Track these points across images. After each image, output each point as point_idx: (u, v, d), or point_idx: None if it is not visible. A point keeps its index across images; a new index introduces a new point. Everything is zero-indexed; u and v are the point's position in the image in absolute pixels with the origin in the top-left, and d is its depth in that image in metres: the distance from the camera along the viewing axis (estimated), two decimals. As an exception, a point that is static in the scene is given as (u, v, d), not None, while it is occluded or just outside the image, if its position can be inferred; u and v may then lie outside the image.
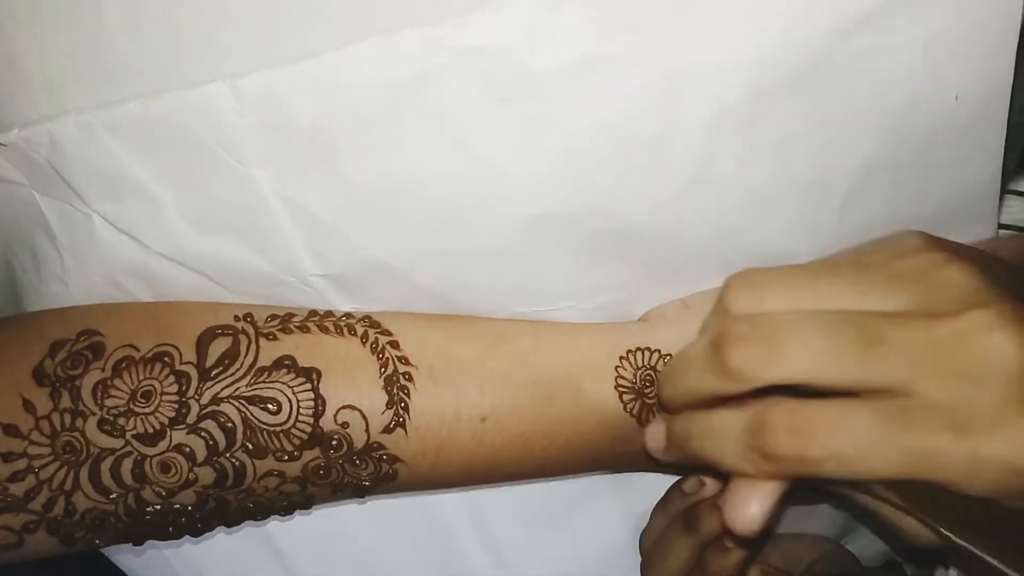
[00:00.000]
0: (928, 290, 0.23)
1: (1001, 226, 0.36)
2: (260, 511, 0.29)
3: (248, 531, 0.35)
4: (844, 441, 0.22)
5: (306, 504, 0.30)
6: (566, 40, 0.26)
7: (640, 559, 0.36)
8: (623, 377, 0.30)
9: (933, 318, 0.22)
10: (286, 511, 0.30)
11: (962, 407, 0.21)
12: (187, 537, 0.30)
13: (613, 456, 0.31)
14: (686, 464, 0.33)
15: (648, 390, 0.30)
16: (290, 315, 0.30)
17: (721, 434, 0.24)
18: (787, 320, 0.23)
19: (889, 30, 0.27)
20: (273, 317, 0.29)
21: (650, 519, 0.35)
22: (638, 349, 0.30)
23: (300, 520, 0.34)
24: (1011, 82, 0.29)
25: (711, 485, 0.33)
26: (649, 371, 0.30)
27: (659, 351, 0.30)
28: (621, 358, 0.30)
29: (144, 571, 0.38)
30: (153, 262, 0.30)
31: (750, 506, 0.24)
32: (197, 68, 0.27)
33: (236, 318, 0.29)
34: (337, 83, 0.26)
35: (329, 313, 0.30)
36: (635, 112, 0.27)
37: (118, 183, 0.28)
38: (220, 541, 0.35)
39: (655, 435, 0.28)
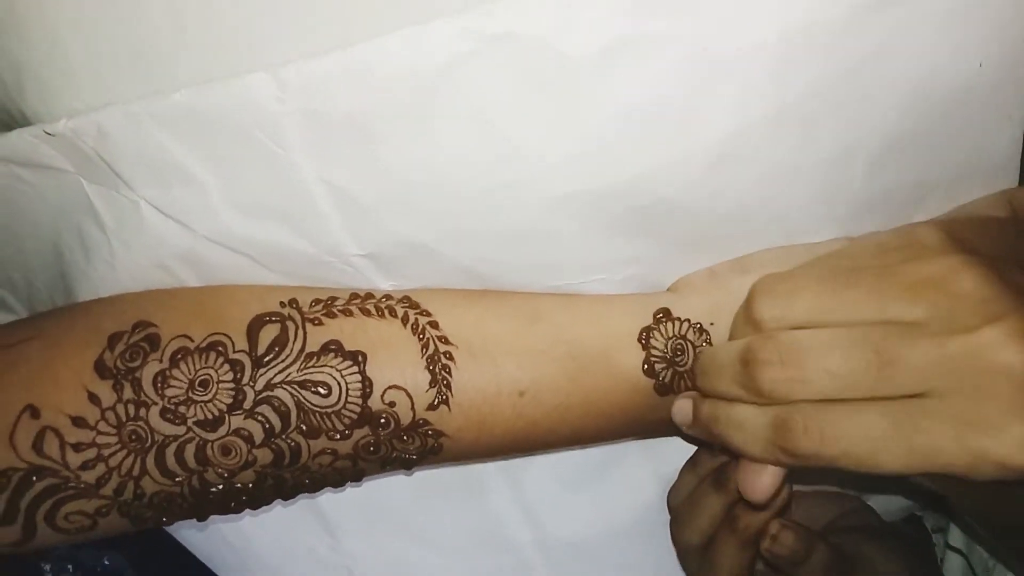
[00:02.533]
0: (944, 299, 0.24)
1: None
2: (314, 486, 0.31)
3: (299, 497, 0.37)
4: (856, 442, 0.24)
5: (357, 477, 0.31)
6: (595, 24, 0.26)
7: (669, 517, 0.37)
8: (654, 347, 0.31)
9: (946, 336, 0.24)
10: (338, 484, 0.32)
11: (967, 412, 0.23)
12: (247, 511, 0.31)
13: (646, 423, 0.33)
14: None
15: (679, 358, 0.31)
16: (333, 299, 0.31)
17: (746, 427, 0.27)
18: (810, 345, 0.25)
19: (913, 2, 0.27)
20: (317, 302, 0.30)
21: (679, 478, 0.37)
22: (668, 319, 0.31)
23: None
24: None
25: None
26: (680, 340, 0.31)
27: (688, 320, 0.31)
28: (652, 328, 0.31)
29: (195, 537, 0.40)
30: (199, 246, 0.31)
31: (763, 478, 0.27)
32: (239, 58, 0.27)
33: (282, 304, 0.30)
34: (371, 72, 0.27)
35: (369, 295, 0.31)
36: (663, 93, 0.28)
37: (164, 170, 0.29)
38: (274, 506, 0.37)
39: (683, 410, 0.30)
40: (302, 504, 0.38)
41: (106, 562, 0.39)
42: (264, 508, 0.32)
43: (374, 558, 0.40)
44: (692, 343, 0.31)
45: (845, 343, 0.25)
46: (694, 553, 0.35)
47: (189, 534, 0.39)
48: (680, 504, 0.35)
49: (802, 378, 0.25)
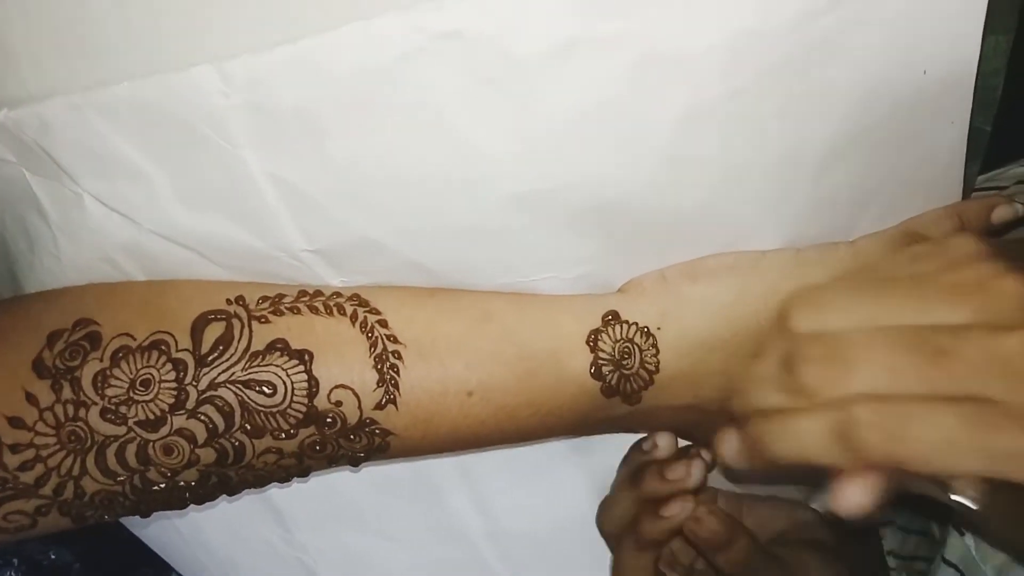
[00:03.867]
0: (988, 301, 0.23)
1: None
2: (259, 483, 0.31)
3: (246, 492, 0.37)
4: (932, 443, 0.22)
5: (303, 473, 0.31)
6: (544, 24, 0.26)
7: None
8: (602, 350, 0.31)
9: (997, 330, 0.22)
10: (284, 480, 0.32)
11: None
12: (191, 505, 0.31)
13: (593, 422, 0.33)
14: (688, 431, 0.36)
15: (626, 361, 0.31)
16: (280, 296, 0.30)
17: (805, 438, 0.24)
18: (855, 339, 0.24)
19: (861, 7, 0.28)
20: (264, 299, 0.30)
21: (617, 470, 0.38)
22: (617, 322, 0.31)
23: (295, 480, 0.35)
24: (978, 55, 0.30)
25: (663, 447, 0.35)
26: (627, 343, 0.31)
27: (636, 324, 0.31)
28: (600, 331, 0.31)
29: (146, 528, 0.40)
30: (145, 239, 0.30)
31: (856, 494, 0.23)
32: (184, 51, 0.27)
33: (228, 301, 0.30)
34: (319, 67, 0.27)
35: (319, 292, 0.31)
36: (614, 94, 0.28)
37: (108, 163, 0.29)
38: (219, 501, 0.37)
39: (729, 444, 0.27)
40: (254, 496, 0.38)
41: (52, 556, 0.39)
42: (210, 504, 0.32)
43: (327, 549, 0.41)
44: (639, 346, 0.31)
45: (891, 335, 0.23)
46: (610, 541, 0.36)
47: (139, 525, 0.39)
48: (606, 495, 0.36)
49: (848, 371, 0.23)
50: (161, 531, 0.40)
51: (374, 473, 0.38)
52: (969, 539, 0.37)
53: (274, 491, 0.38)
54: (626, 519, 0.35)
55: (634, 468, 0.35)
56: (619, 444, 0.38)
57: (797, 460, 0.25)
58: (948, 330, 0.23)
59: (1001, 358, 0.22)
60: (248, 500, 0.38)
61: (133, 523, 0.40)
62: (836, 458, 0.23)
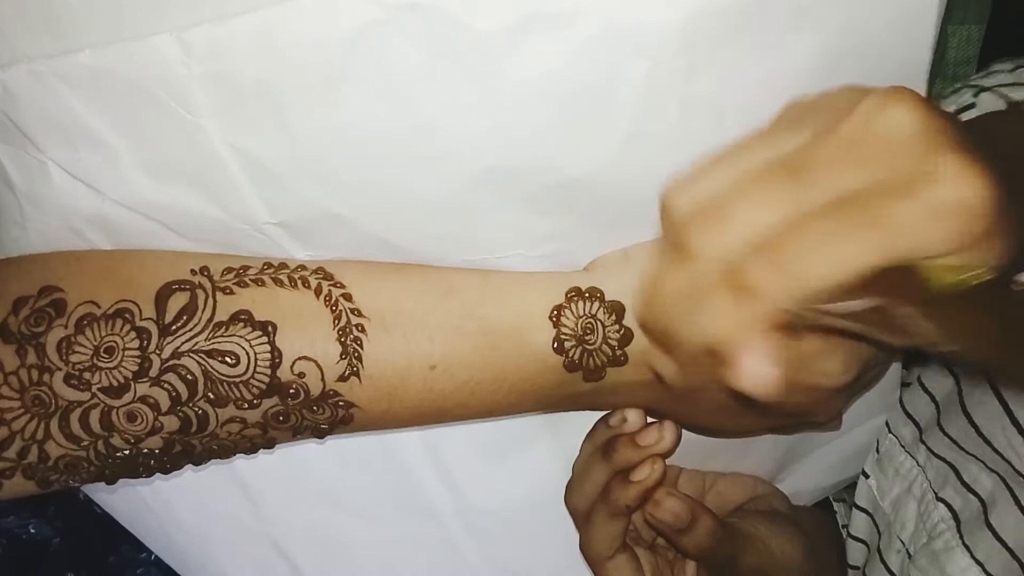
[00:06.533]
0: (826, 113, 0.22)
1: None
2: (224, 452, 0.31)
3: (214, 465, 0.37)
4: (816, 250, 0.20)
5: (268, 444, 0.32)
6: None
7: None
8: (565, 325, 0.31)
9: (834, 124, 0.22)
10: (250, 451, 0.32)
11: (895, 177, 0.21)
12: (157, 474, 0.32)
13: (557, 397, 0.33)
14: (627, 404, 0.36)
15: (588, 337, 0.32)
16: (245, 267, 0.31)
17: (706, 304, 0.22)
18: (720, 188, 0.22)
19: None
20: (229, 270, 0.30)
21: (581, 447, 0.38)
22: (580, 298, 0.32)
23: (263, 454, 0.36)
24: (934, 35, 0.30)
25: (632, 421, 0.35)
26: (590, 319, 0.32)
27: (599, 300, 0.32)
28: (563, 307, 0.32)
29: (116, 502, 0.40)
30: (109, 209, 0.30)
31: (760, 364, 0.21)
32: (145, 20, 0.27)
33: (193, 272, 0.30)
34: (278, 37, 0.27)
35: (283, 264, 0.31)
36: (574, 68, 0.28)
37: (72, 131, 0.29)
38: (187, 474, 0.37)
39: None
40: (222, 472, 0.38)
41: (32, 530, 0.39)
42: (176, 472, 0.32)
43: (296, 525, 0.41)
44: (602, 322, 0.32)
45: (748, 172, 0.22)
46: (580, 518, 0.36)
47: (110, 498, 0.40)
48: (575, 471, 0.37)
49: (723, 217, 0.22)
50: (131, 507, 0.40)
51: (342, 449, 0.38)
52: (872, 480, 0.38)
53: (243, 467, 0.39)
54: (597, 492, 0.35)
55: (603, 442, 0.36)
56: (588, 421, 0.38)
57: (703, 338, 0.22)
58: (797, 148, 0.22)
59: (843, 148, 0.21)
60: (217, 475, 0.38)
61: (102, 498, 0.40)
62: (737, 316, 0.21)
